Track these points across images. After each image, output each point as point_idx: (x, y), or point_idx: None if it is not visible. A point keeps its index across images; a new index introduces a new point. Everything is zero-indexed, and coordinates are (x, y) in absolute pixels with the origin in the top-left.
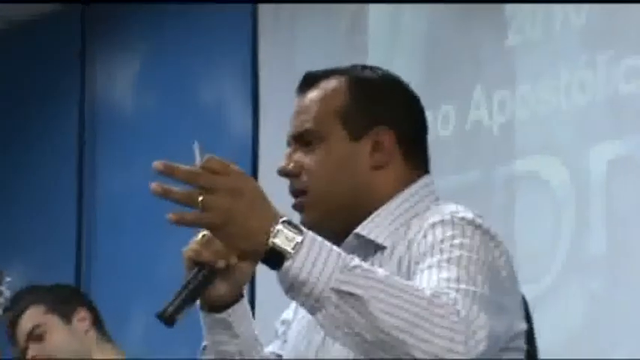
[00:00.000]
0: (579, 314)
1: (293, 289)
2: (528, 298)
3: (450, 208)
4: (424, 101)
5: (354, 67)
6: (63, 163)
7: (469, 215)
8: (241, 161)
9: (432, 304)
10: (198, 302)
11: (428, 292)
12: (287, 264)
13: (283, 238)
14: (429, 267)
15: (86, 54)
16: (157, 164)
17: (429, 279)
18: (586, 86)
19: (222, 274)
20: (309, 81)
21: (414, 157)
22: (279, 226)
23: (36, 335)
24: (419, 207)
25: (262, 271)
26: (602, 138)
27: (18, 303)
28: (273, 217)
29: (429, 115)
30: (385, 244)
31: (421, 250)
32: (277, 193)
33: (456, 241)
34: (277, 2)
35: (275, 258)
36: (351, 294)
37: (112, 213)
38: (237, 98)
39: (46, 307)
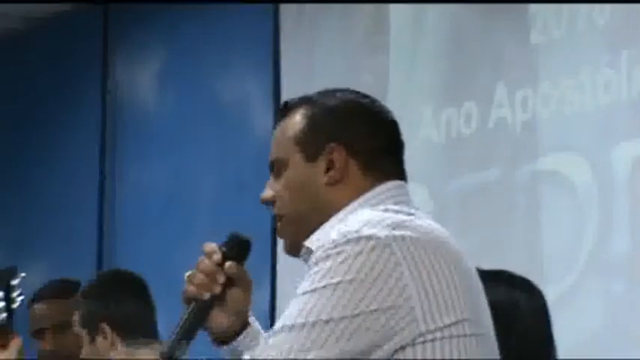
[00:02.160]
0: (601, 314)
1: None
2: (551, 297)
3: (343, 226)
4: (447, 99)
5: (318, 93)
6: (85, 162)
7: (358, 230)
8: (263, 160)
9: None
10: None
11: None
12: None
13: None
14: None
15: (108, 52)
16: None
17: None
18: (609, 85)
19: (217, 306)
20: (282, 112)
21: (375, 168)
22: None
23: None
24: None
25: (283, 289)
26: (626, 137)
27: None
28: None
29: (452, 112)
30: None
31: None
32: None
33: (314, 270)
34: (299, 2)
35: None
36: None
37: (133, 211)
38: (259, 97)
39: (79, 320)
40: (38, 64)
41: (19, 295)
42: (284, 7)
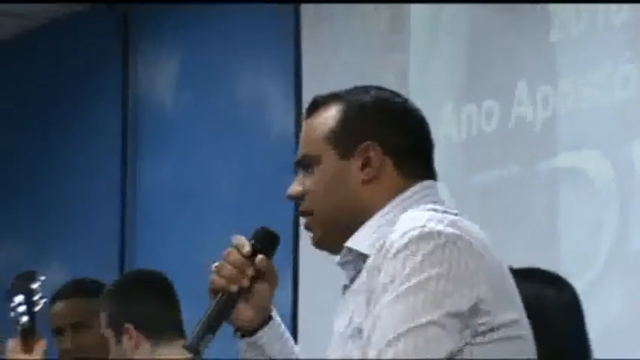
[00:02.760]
0: (620, 311)
1: None
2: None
3: (407, 224)
4: (467, 97)
5: (349, 90)
6: (105, 162)
7: (423, 226)
8: (282, 159)
9: None
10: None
11: None
12: None
13: None
14: (379, 324)
15: (128, 52)
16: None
17: (379, 336)
18: (629, 81)
19: (244, 299)
20: (311, 108)
21: (408, 167)
22: None
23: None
24: (403, 213)
25: (305, 288)
26: None
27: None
28: None
29: (472, 110)
30: (368, 253)
31: (378, 289)
32: None
33: (397, 272)
34: (319, 1)
35: None
36: None
37: (154, 210)
38: (278, 96)
39: (105, 321)
40: (59, 65)
41: (41, 297)
42: (304, 7)
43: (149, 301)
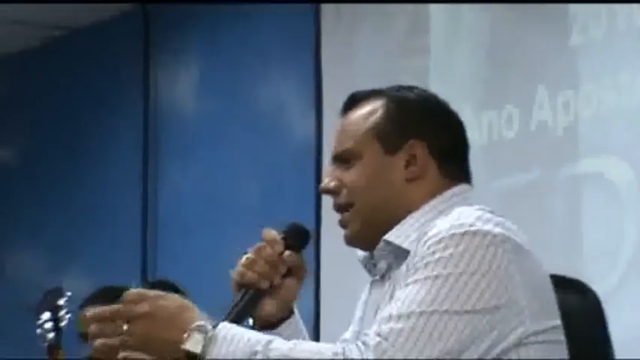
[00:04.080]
0: None
1: None
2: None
3: (455, 218)
4: (487, 102)
5: (393, 87)
6: (127, 168)
7: (472, 224)
8: (304, 164)
9: None
10: (250, 321)
11: (329, 354)
12: None
13: (193, 342)
14: (397, 297)
15: (149, 59)
16: (89, 316)
17: (390, 309)
18: None
19: (269, 293)
20: (350, 103)
21: (450, 169)
22: (190, 333)
23: None
24: (445, 213)
25: (326, 289)
26: None
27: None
28: (186, 326)
29: (493, 115)
30: (409, 249)
31: (411, 269)
32: None
33: (433, 258)
34: (339, 2)
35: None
36: None
37: (175, 215)
38: (299, 100)
39: None
40: (80, 71)
41: (67, 313)
42: (325, 8)
43: None
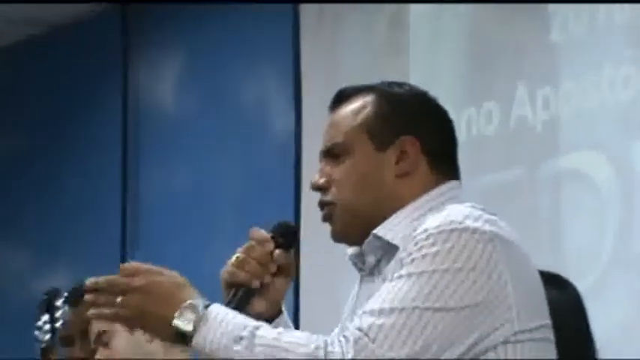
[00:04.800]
0: (624, 311)
1: (207, 358)
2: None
3: (445, 216)
4: (467, 99)
5: (382, 83)
6: (107, 165)
7: (461, 221)
8: (284, 160)
9: (313, 356)
10: None
11: (312, 347)
12: (193, 342)
13: (185, 319)
14: (379, 292)
15: (129, 55)
16: (87, 284)
17: (372, 304)
18: (630, 82)
19: (259, 292)
20: (340, 98)
21: (440, 165)
22: (182, 310)
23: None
24: (436, 210)
25: (306, 279)
26: None
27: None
28: (179, 303)
29: (472, 112)
30: (399, 245)
31: (399, 265)
32: None
33: (419, 254)
34: (319, 1)
35: (183, 337)
36: None
37: (156, 213)
38: (280, 97)
39: None
40: (59, 69)
41: (63, 314)
42: (304, 8)
43: None
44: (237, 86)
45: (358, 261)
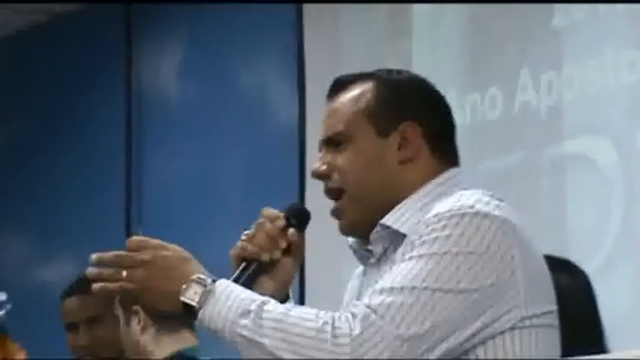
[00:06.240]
0: (629, 295)
1: (211, 333)
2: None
3: (455, 200)
4: (471, 84)
5: (380, 70)
6: (111, 153)
7: (472, 206)
8: (288, 149)
9: (320, 331)
10: None
11: (320, 322)
12: (199, 315)
13: (192, 293)
14: (390, 272)
15: (132, 44)
16: (93, 259)
17: (382, 283)
18: (634, 66)
19: (268, 270)
20: (338, 86)
21: (441, 151)
22: (188, 284)
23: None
24: (443, 197)
25: (311, 267)
26: None
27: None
28: (185, 277)
29: (476, 98)
30: (407, 232)
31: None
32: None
33: (430, 237)
34: None
35: (190, 312)
36: (251, 338)
37: (160, 200)
38: (282, 84)
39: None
40: (63, 57)
41: (4, 302)
42: None
43: None
44: (240, 73)
45: (360, 249)
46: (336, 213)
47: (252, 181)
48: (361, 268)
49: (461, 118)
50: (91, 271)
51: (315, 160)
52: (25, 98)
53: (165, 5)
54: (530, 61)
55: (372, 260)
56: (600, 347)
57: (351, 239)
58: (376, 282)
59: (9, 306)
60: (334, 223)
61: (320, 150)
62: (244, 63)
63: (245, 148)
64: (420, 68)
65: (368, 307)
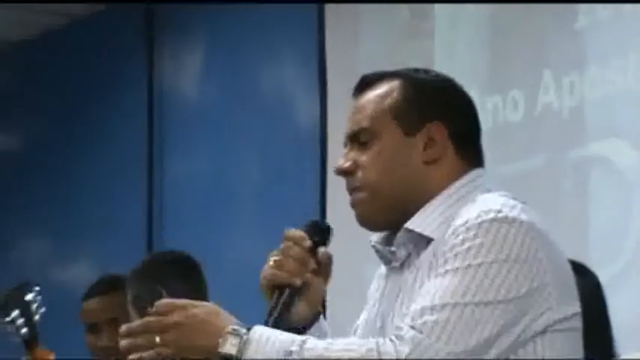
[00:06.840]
0: None
1: None
2: (600, 281)
3: (482, 206)
4: (492, 86)
5: (407, 69)
6: (132, 154)
7: (499, 210)
8: (309, 150)
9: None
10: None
11: (363, 350)
12: None
13: (229, 345)
14: (427, 289)
15: (153, 45)
16: (122, 330)
17: (422, 301)
18: None
19: (301, 294)
20: (364, 83)
21: (466, 152)
22: (224, 337)
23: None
24: (467, 199)
25: (334, 274)
26: None
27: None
28: (220, 331)
29: (497, 99)
30: (433, 236)
31: (440, 258)
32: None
33: (463, 248)
34: None
35: None
36: None
37: (180, 201)
38: (303, 86)
39: (130, 301)
40: (84, 59)
41: (39, 307)
42: None
43: (174, 283)
44: (261, 74)
45: (383, 250)
46: (354, 203)
47: (273, 182)
48: (383, 268)
49: (482, 120)
50: (124, 342)
51: (338, 157)
52: (47, 100)
53: (186, 6)
54: (553, 62)
55: (395, 264)
56: (609, 351)
57: (373, 239)
58: (399, 287)
59: (43, 309)
60: (357, 225)
61: (345, 146)
62: (265, 63)
63: (266, 149)
64: (441, 69)
65: (412, 327)
